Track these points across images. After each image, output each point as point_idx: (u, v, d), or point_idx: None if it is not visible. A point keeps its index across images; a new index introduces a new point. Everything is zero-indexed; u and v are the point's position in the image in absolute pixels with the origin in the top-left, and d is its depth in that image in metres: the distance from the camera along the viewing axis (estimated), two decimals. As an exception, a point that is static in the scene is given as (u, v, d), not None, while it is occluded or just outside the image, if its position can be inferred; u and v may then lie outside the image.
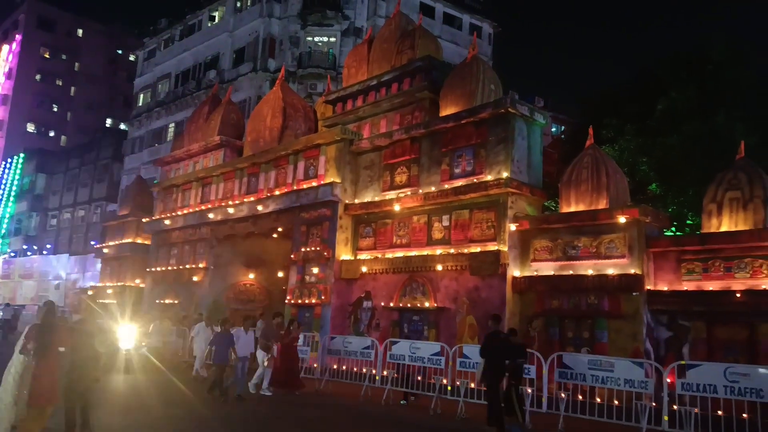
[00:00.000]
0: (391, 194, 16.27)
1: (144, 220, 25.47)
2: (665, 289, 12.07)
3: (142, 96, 44.14)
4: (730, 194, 11.99)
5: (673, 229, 16.47)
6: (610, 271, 12.33)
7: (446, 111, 15.53)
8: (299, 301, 17.20)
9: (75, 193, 49.05)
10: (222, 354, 11.41)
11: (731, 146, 13.77)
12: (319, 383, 13.39)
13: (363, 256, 16.61)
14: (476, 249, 14.07)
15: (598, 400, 10.35)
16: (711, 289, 11.50)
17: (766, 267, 11.05)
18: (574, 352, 11.89)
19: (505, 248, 13.59)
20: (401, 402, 11.99)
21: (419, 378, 12.19)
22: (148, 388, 12.56)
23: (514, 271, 13.63)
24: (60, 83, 60.63)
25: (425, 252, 15.09)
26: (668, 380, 9.58)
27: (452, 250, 14.54)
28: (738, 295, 11.01)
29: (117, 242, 27.81)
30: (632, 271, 12.10)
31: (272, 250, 21.38)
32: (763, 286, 10.94)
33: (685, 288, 11.85)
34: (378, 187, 16.77)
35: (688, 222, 17.10)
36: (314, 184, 17.57)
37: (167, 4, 75.74)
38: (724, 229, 11.89)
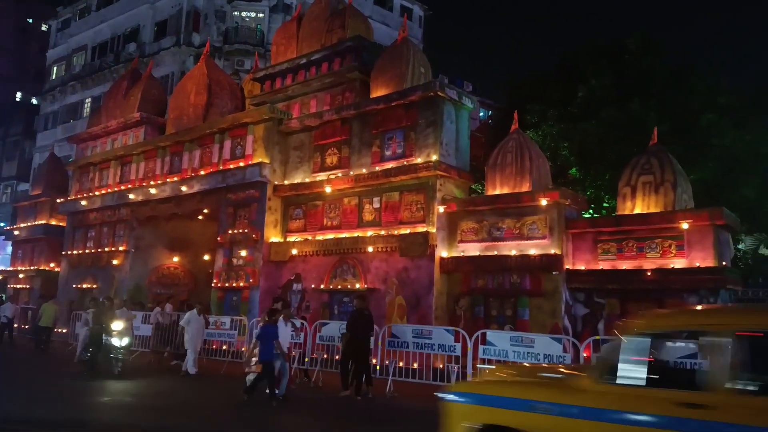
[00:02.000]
0: (321, 176, 16.14)
1: (58, 200, 24.17)
2: (583, 268, 12.66)
3: (55, 69, 41.51)
4: (643, 178, 12.64)
5: (591, 211, 17.24)
6: (532, 252, 12.79)
7: (377, 93, 15.51)
8: (226, 285, 16.86)
9: (-19, 171, 45.84)
10: (269, 350, 9.80)
11: (645, 132, 14.50)
12: (247, 367, 13.18)
13: (293, 238, 16.43)
14: (406, 231, 14.23)
15: (520, 375, 10.76)
16: (624, 268, 12.15)
17: (675, 247, 11.78)
18: (498, 329, 12.29)
19: (433, 230, 13.81)
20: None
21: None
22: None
23: (442, 252, 13.89)
24: (-39, 52, 55.93)
25: (356, 234, 15.11)
26: (584, 354, 10.09)
27: (382, 232, 14.63)
28: (649, 273, 11.69)
29: (29, 224, 26.27)
30: (552, 252, 12.60)
31: (197, 232, 20.79)
32: (672, 265, 11.67)
33: (601, 267, 12.47)
34: (308, 168, 16.58)
35: (605, 204, 17.92)
36: (241, 164, 17.15)
37: (82, -29, 70.92)
38: (637, 211, 12.55)
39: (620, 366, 4.34)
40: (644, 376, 4.29)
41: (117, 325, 12.80)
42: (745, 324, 4.12)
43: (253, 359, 10.24)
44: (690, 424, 3.87)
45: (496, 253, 13.31)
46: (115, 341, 12.56)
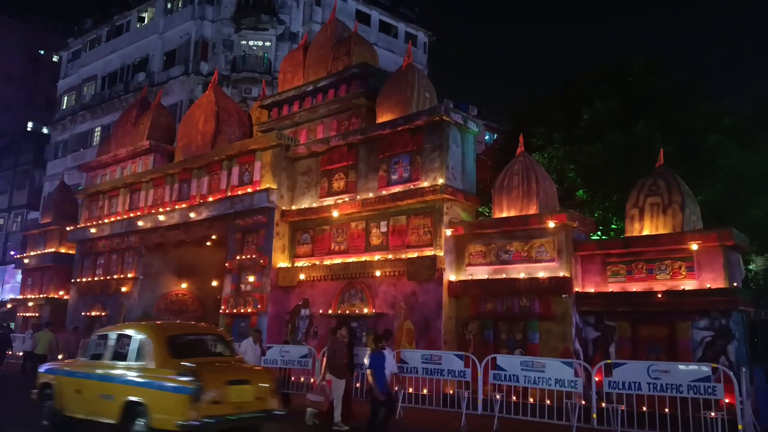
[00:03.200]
0: (328, 200, 16.21)
1: (68, 228, 24.31)
2: (592, 290, 12.57)
3: (66, 98, 42.21)
4: (650, 200, 12.61)
5: (599, 233, 17.19)
6: (541, 275, 12.73)
7: (383, 118, 15.65)
8: (234, 311, 16.84)
9: (-8, 200, 46.29)
10: (383, 381, 9.02)
11: (651, 154, 14.52)
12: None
13: (300, 263, 16.45)
14: (413, 254, 14.21)
15: (531, 400, 10.65)
16: (634, 290, 12.07)
17: (685, 268, 11.70)
18: (508, 353, 12.19)
19: (441, 253, 13.79)
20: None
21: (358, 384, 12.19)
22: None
23: (450, 276, 13.85)
24: (-27, 83, 56.88)
25: (363, 258, 15.11)
26: (596, 379, 9.97)
27: (390, 256, 14.62)
28: (659, 295, 11.59)
29: (39, 252, 26.42)
30: (561, 274, 12.53)
31: (205, 259, 20.84)
32: (682, 287, 11.58)
33: (611, 289, 12.38)
34: (315, 193, 16.67)
35: (613, 226, 17.86)
36: (249, 190, 17.27)
37: (93, 4, 72.73)
38: (645, 232, 12.49)
39: (88, 350, 9.26)
40: (91, 354, 9.03)
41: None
42: (123, 329, 8.88)
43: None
44: (95, 376, 8.55)
45: (504, 276, 13.25)
46: None
